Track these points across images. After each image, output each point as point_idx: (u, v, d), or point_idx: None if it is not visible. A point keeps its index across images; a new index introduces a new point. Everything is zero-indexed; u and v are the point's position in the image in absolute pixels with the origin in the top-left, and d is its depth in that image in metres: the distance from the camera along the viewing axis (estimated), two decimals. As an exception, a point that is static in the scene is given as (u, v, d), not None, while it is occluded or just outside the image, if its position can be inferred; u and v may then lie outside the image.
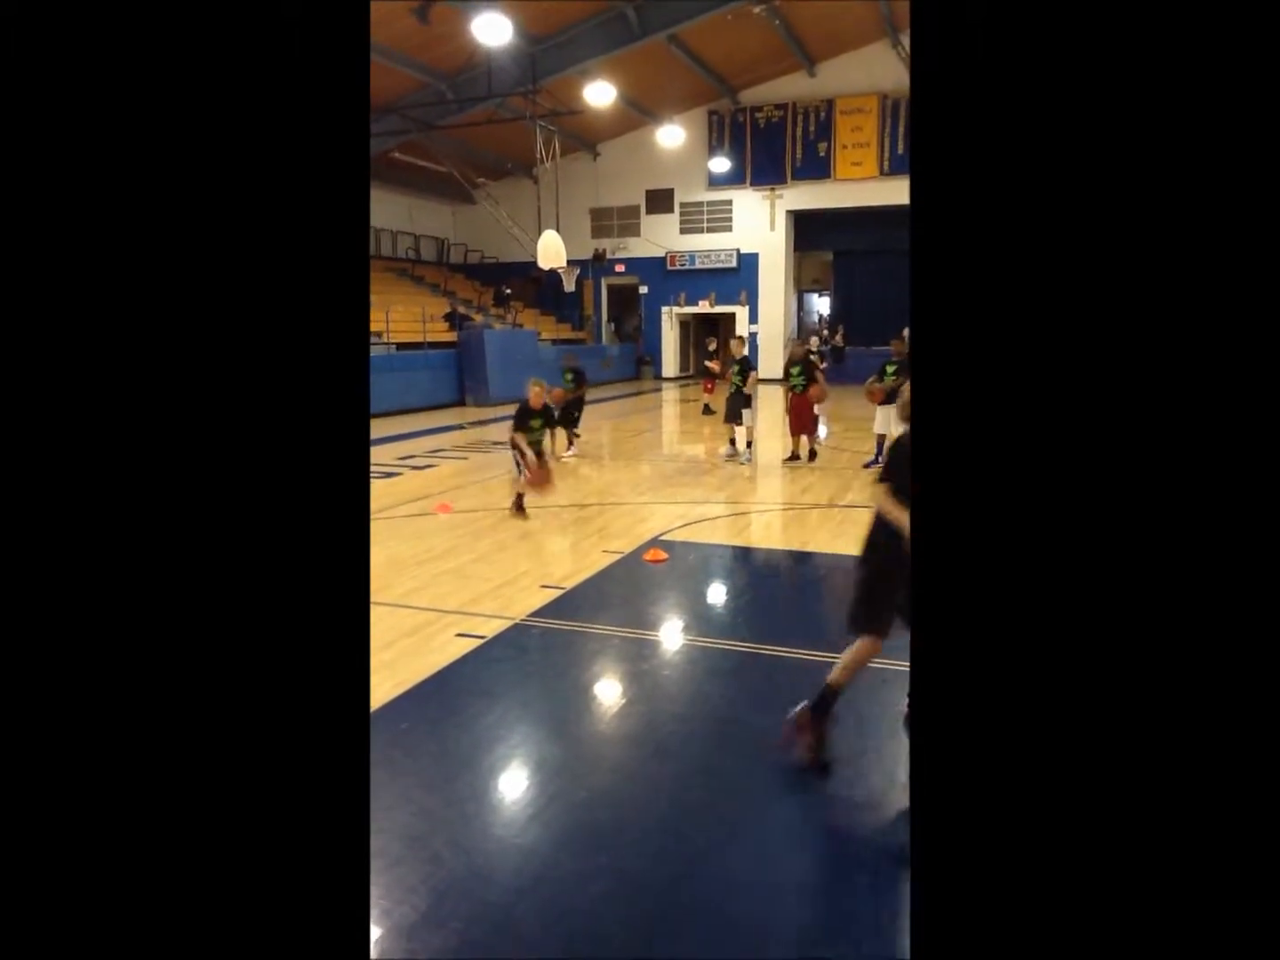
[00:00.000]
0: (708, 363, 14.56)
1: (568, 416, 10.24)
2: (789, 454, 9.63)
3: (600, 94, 16.22)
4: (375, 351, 16.19)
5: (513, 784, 2.93)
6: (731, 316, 23.10)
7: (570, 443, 10.42)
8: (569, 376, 10.68)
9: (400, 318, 17.29)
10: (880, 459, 8.27)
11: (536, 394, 6.95)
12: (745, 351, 10.36)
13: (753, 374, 9.71)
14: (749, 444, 10.05)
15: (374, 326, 16.79)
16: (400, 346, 16.84)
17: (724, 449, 10.08)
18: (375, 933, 2.13)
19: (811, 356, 10.60)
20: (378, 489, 8.38)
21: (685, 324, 24.39)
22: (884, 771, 2.98)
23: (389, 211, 22.14)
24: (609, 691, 3.75)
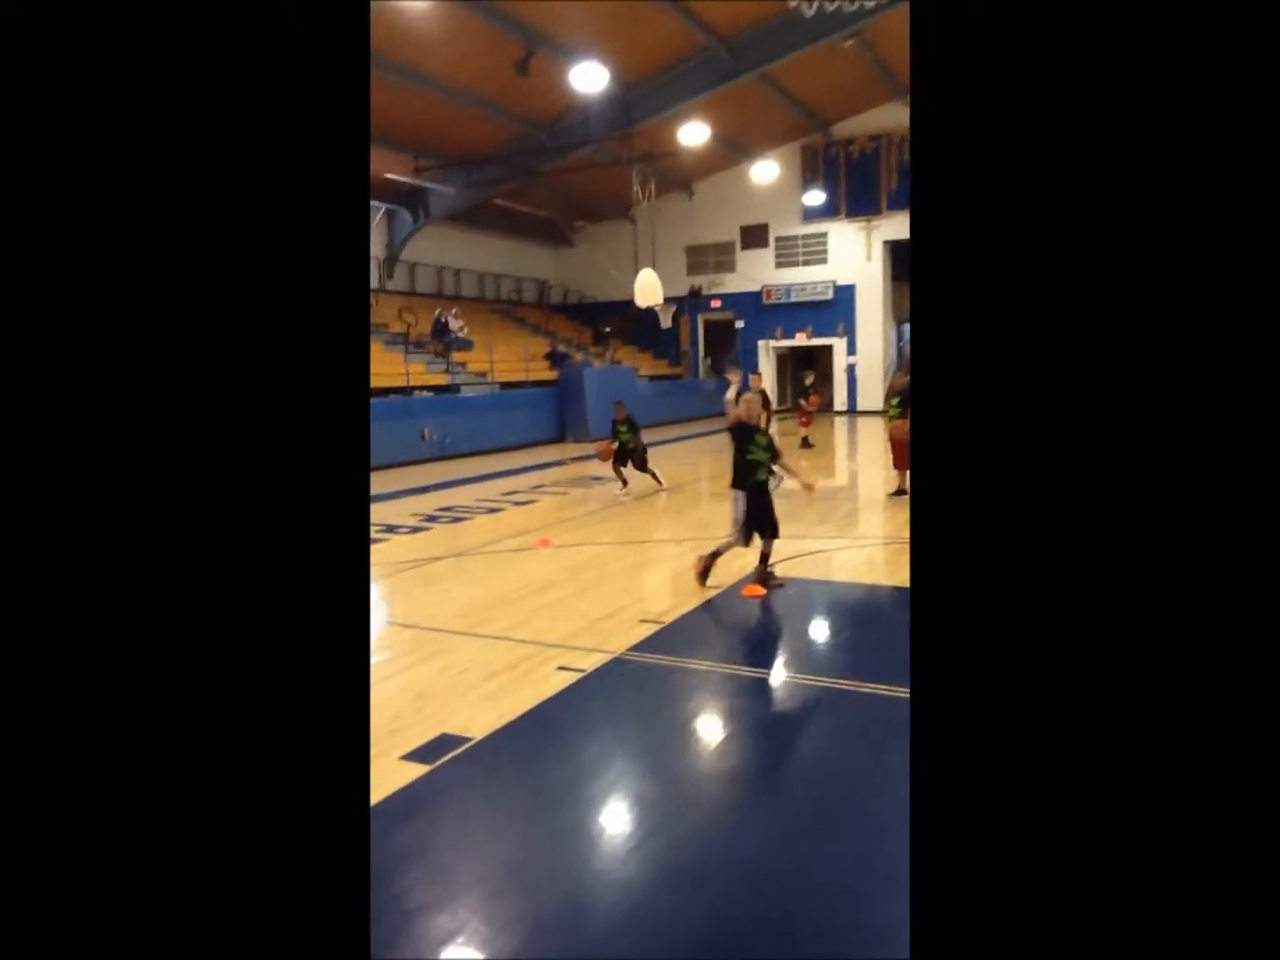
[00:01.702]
0: (802, 400, 14.44)
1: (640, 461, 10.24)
2: (895, 489, 9.39)
3: (694, 134, 16.48)
4: (480, 390, 16.70)
5: (611, 818, 2.95)
6: (829, 349, 22.89)
7: (657, 479, 10.36)
8: (623, 429, 10.11)
9: (503, 357, 17.79)
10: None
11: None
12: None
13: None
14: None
15: (478, 366, 17.34)
16: (504, 385, 17.32)
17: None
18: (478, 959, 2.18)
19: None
20: (483, 524, 8.61)
21: (782, 357, 24.29)
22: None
23: (492, 255, 22.91)
24: (707, 728, 3.74)
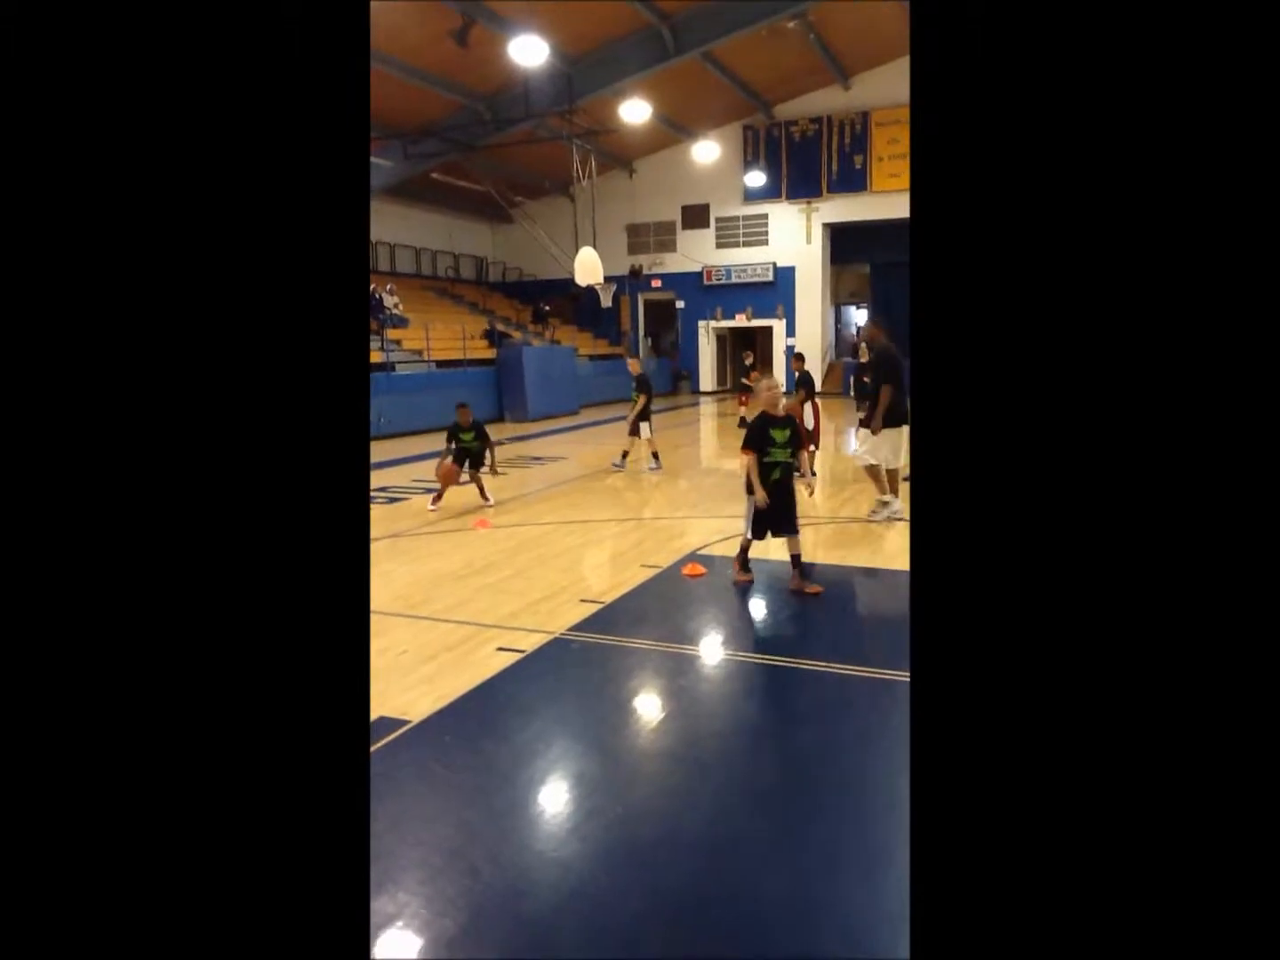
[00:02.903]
0: (744, 379, 14.57)
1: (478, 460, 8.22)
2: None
3: (636, 112, 16.37)
4: (415, 369, 16.40)
5: (552, 799, 2.94)
6: (769, 330, 23.06)
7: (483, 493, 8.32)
8: (467, 436, 8.16)
9: (440, 336, 17.51)
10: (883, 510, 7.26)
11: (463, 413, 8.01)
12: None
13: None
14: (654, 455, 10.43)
15: (414, 344, 17.03)
16: (440, 364, 17.05)
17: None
18: (416, 944, 2.15)
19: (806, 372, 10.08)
20: (417, 504, 8.47)
21: (722, 338, 24.39)
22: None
23: (429, 231, 22.49)
24: (648, 706, 3.75)
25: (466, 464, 8.21)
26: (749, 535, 5.26)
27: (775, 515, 5.10)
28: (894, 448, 7.07)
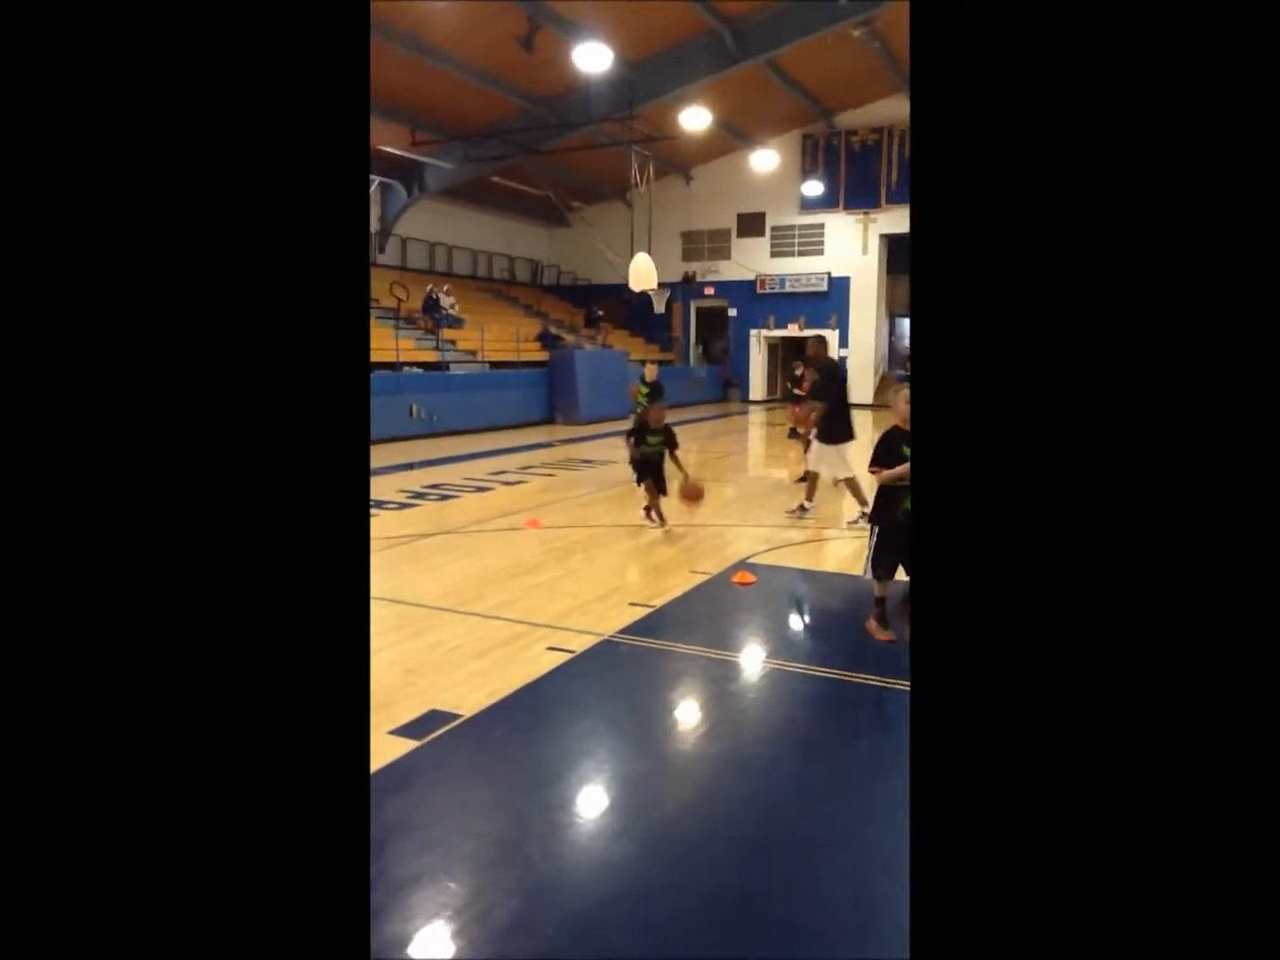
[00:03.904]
0: (794, 389, 14.47)
1: None
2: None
3: (695, 119, 16.39)
4: (470, 369, 16.61)
5: (602, 796, 2.96)
6: (821, 340, 22.91)
7: None
8: (654, 437, 7.14)
9: (494, 337, 17.70)
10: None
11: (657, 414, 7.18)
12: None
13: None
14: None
15: (469, 345, 17.25)
16: (494, 365, 17.24)
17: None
18: (470, 934, 2.18)
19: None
20: (471, 503, 8.58)
21: (774, 347, 24.29)
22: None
23: (486, 233, 22.76)
24: (696, 710, 3.75)
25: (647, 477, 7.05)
26: (870, 573, 4.36)
27: (893, 552, 4.26)
28: (837, 461, 7.41)
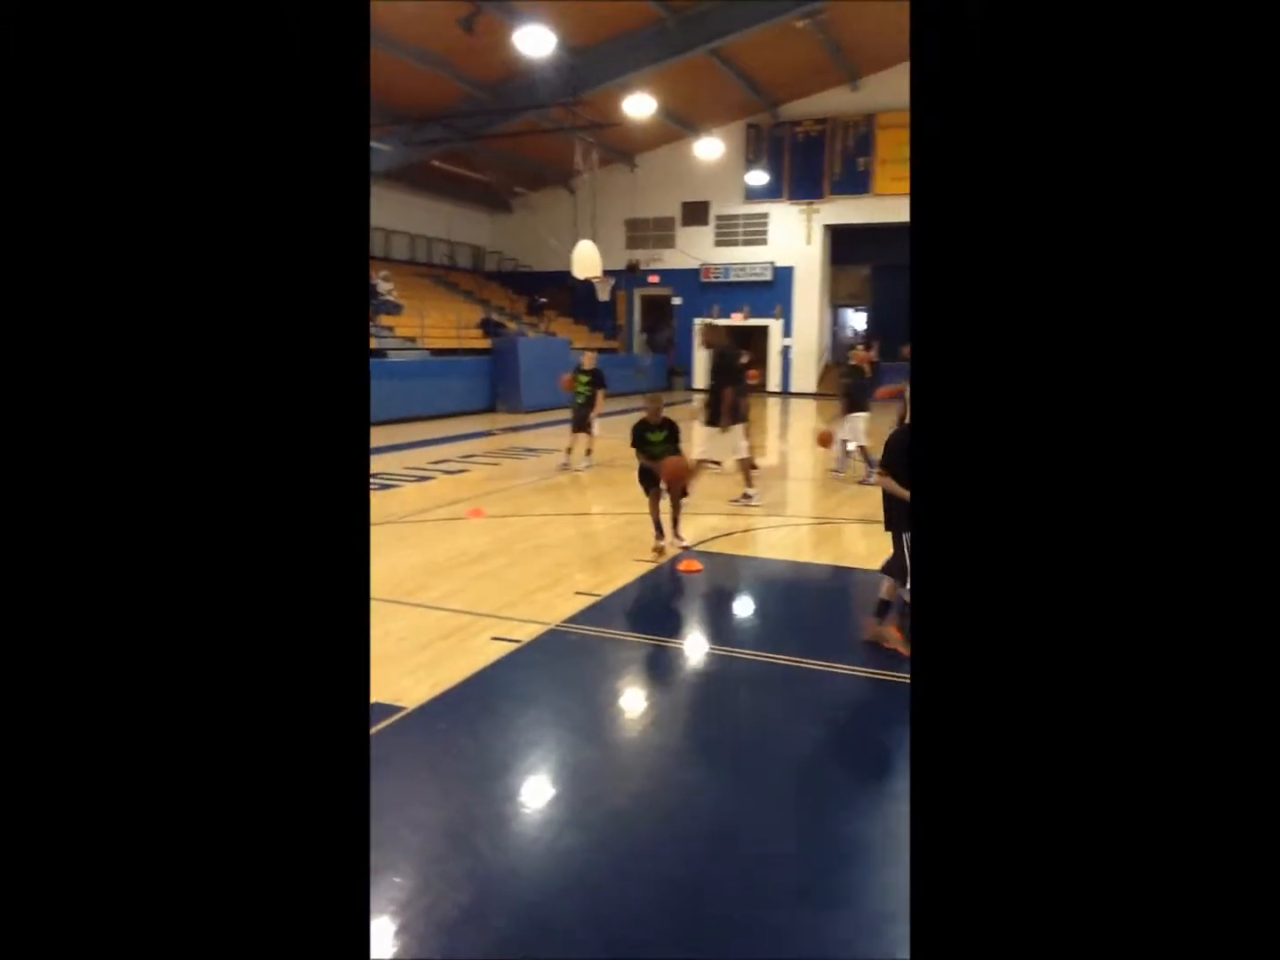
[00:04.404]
0: (741, 376, 14.58)
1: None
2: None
3: (640, 106, 16.30)
4: (410, 356, 16.34)
5: (551, 786, 2.94)
6: (765, 330, 23.08)
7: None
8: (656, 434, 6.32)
9: (435, 324, 17.44)
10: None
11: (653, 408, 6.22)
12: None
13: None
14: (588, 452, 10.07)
15: (409, 332, 16.95)
16: (435, 352, 16.99)
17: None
18: (417, 929, 2.14)
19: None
20: (412, 493, 8.45)
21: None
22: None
23: (427, 218, 22.38)
24: (644, 699, 3.75)
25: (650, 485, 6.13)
26: (902, 586, 4.04)
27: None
28: (718, 443, 7.81)
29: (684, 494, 6.22)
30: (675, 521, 6.12)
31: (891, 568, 4.10)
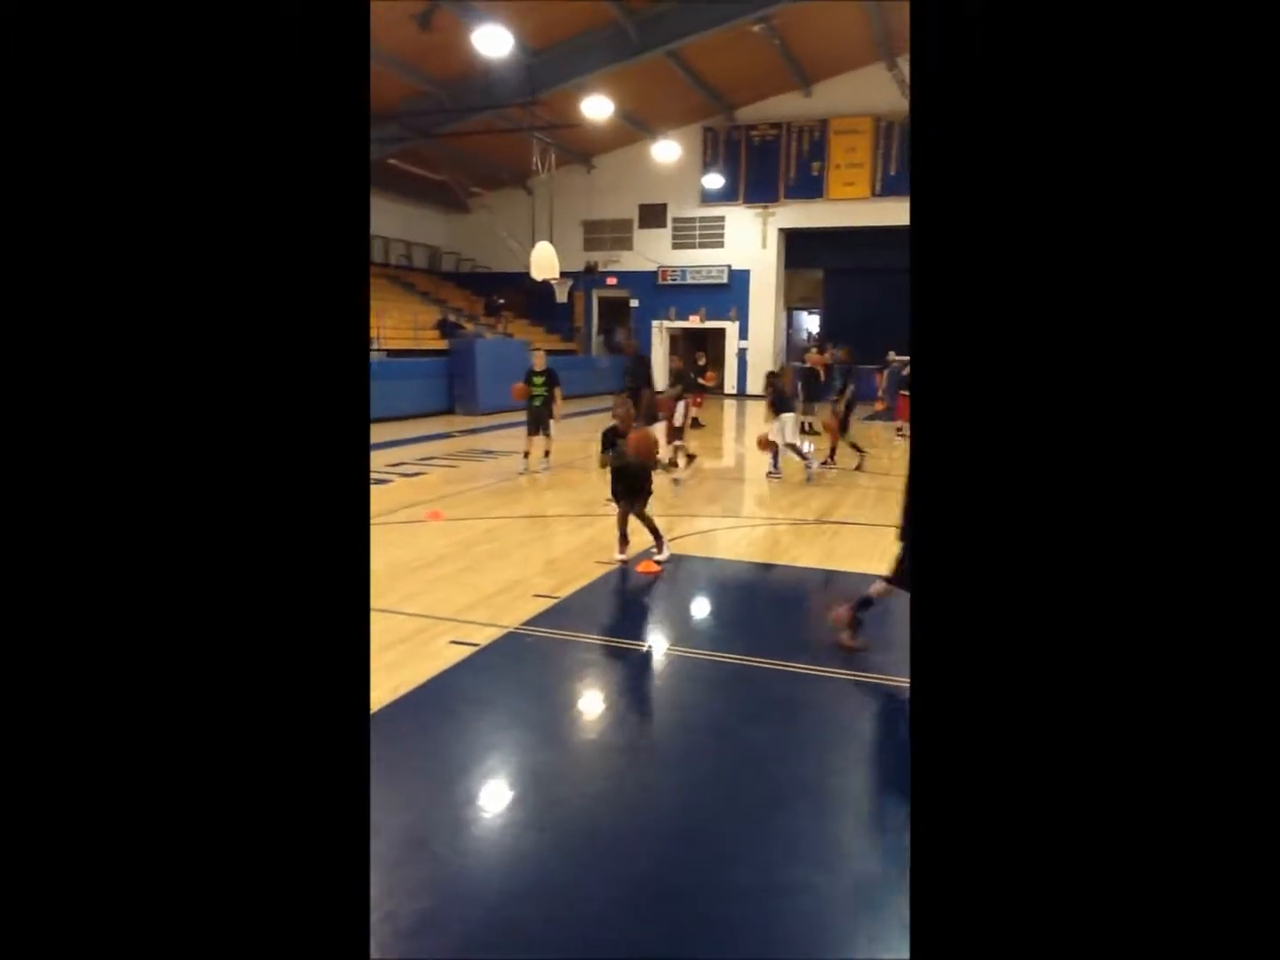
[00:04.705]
0: (699, 379, 14.67)
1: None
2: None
3: (598, 108, 16.30)
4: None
5: (511, 790, 2.94)
6: (721, 332, 23.21)
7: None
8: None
9: (392, 325, 17.26)
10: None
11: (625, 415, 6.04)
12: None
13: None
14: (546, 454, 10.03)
15: (365, 332, 16.73)
16: (391, 353, 16.81)
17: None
18: (379, 934, 2.14)
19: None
20: (369, 495, 8.36)
21: (675, 338, 24.46)
22: (886, 781, 3.01)
23: (383, 218, 22.11)
24: (604, 700, 3.76)
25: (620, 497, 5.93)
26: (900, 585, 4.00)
27: None
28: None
29: (649, 490, 5.99)
30: (655, 534, 5.90)
31: (904, 579, 3.90)
